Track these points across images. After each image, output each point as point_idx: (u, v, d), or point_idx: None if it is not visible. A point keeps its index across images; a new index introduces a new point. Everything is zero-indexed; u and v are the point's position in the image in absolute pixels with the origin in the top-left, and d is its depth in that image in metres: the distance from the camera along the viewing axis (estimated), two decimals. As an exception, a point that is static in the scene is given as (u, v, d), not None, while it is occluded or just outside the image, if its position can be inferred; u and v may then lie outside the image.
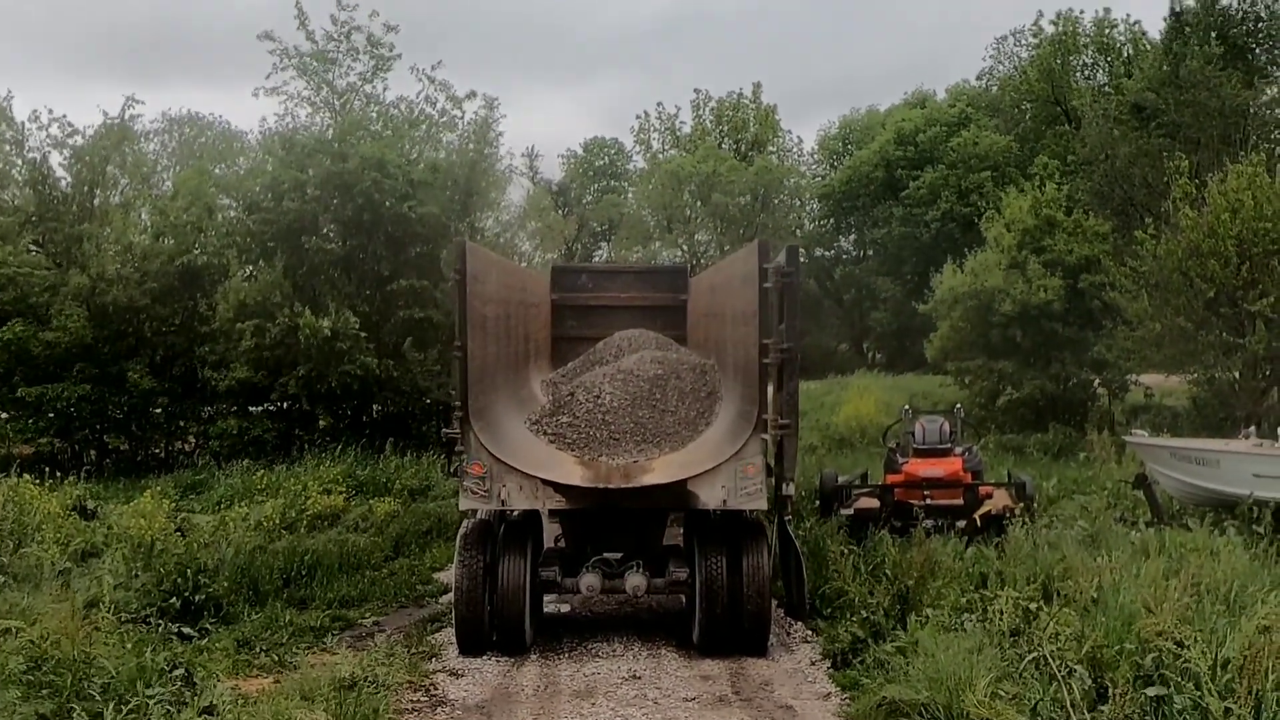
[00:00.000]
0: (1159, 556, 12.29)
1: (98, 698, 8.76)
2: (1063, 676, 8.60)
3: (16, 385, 27.31)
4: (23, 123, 29.82)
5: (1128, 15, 63.47)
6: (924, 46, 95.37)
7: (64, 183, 29.92)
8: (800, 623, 13.69)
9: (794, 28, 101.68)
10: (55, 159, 29.88)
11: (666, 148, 62.17)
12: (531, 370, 16.42)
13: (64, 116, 29.37)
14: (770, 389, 12.57)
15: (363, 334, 26.36)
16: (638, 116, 62.16)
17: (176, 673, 9.69)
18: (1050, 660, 8.86)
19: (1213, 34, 35.07)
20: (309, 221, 27.30)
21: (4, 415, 28.07)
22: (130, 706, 8.61)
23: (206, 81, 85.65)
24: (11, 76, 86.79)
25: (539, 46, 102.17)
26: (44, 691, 8.75)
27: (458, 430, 12.61)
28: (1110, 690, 8.39)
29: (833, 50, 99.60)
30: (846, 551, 14.29)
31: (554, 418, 13.57)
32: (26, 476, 17.58)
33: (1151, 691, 8.04)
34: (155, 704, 8.56)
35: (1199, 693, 7.85)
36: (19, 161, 30.16)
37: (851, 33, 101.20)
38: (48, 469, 20.95)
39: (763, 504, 12.48)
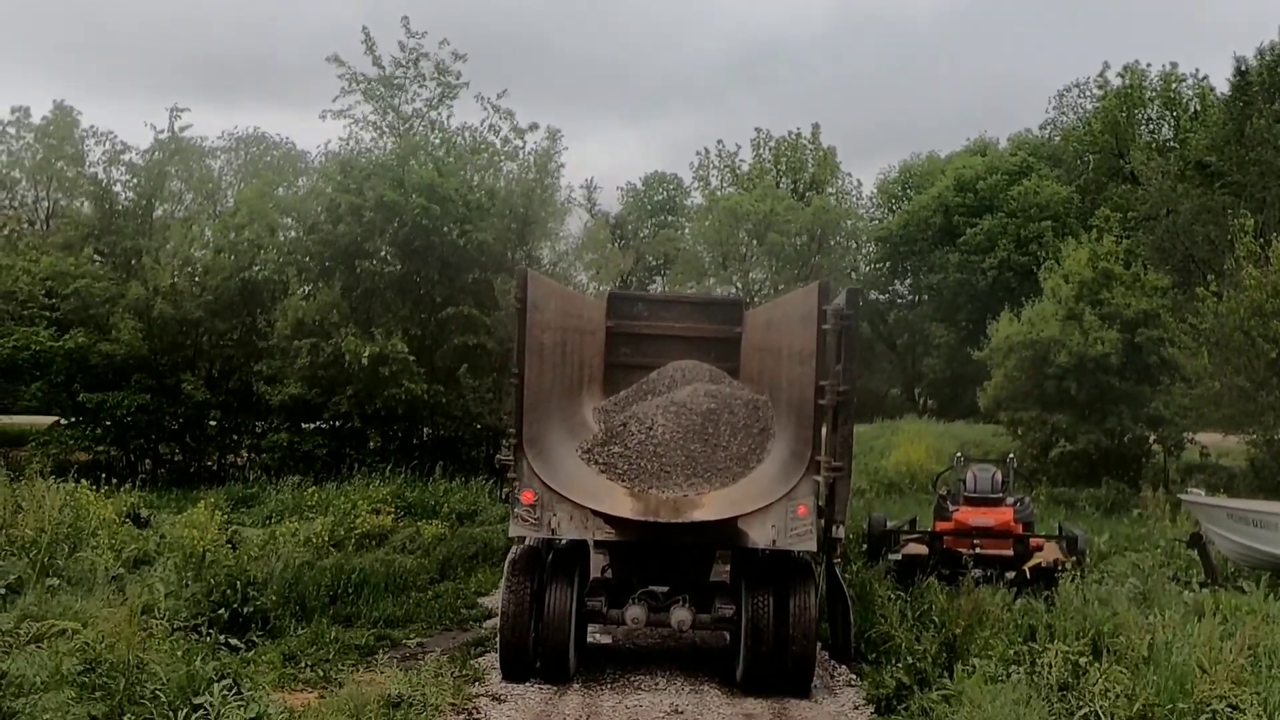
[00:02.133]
0: (1213, 618, 12.09)
1: (151, 702, 8.86)
2: (1114, 733, 8.48)
3: (76, 393, 27.86)
4: (81, 137, 30.56)
5: (1196, 70, 62.81)
6: (990, 95, 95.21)
7: (123, 196, 30.55)
8: (844, 666, 13.59)
9: (864, 70, 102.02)
10: (115, 173, 30.61)
11: (725, 185, 62.30)
12: (584, 397, 16.46)
13: (112, 134, 30.13)
14: (824, 430, 12.54)
15: (411, 358, 26.53)
16: (698, 153, 62.38)
17: (224, 682, 9.78)
18: (1101, 716, 8.73)
19: (1278, 93, 34.70)
20: (364, 245, 27.62)
21: (63, 422, 28.58)
22: (184, 714, 8.70)
23: (284, 104, 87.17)
24: (95, 96, 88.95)
25: (611, 82, 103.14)
26: (97, 694, 8.87)
27: (510, 457, 12.69)
28: (1162, 750, 8.27)
29: (901, 94, 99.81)
30: (894, 597, 14.19)
31: (606, 447, 13.59)
32: (83, 482, 17.83)
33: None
34: (215, 710, 8.62)
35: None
36: (79, 175, 30.92)
37: (920, 78, 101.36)
38: (103, 476, 21.24)
39: (812, 545, 12.42)
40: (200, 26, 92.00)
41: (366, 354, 25.67)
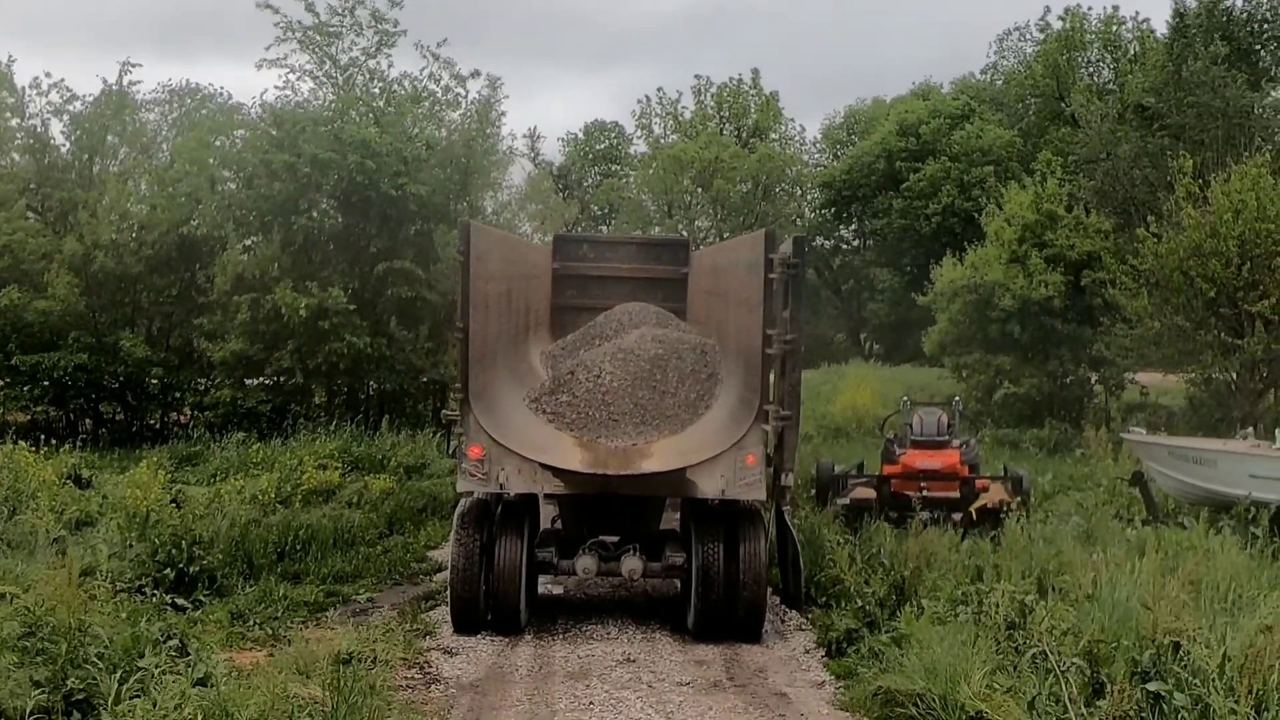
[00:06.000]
0: (1155, 554, 12.27)
1: (94, 665, 8.73)
2: (1060, 670, 8.58)
3: (11, 353, 27.25)
4: (23, 88, 29.75)
5: (1136, 13, 63.39)
6: (947, 43, 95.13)
7: (64, 150, 29.88)
8: (795, 611, 13.70)
9: (827, 19, 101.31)
10: (55, 126, 29.92)
11: (668, 133, 61.97)
12: (531, 342, 16.34)
13: (62, 81, 29.46)
14: (772, 378, 12.54)
15: (352, 308, 26.25)
16: (639, 101, 61.91)
17: (170, 643, 9.66)
18: (1048, 654, 8.84)
19: (1217, 35, 34.95)
20: (301, 200, 27.25)
21: (-1, 383, 28.04)
22: (130, 675, 8.58)
23: (230, 57, 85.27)
24: (39, 48, 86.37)
25: (566, 33, 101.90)
26: (39, 658, 8.71)
27: (457, 412, 12.59)
28: (1108, 685, 8.37)
29: (859, 41, 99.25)
30: (842, 541, 14.28)
31: (553, 396, 13.52)
32: (22, 444, 17.50)
33: (1151, 687, 8.03)
34: (157, 671, 8.50)
35: (1203, 689, 7.84)
36: (18, 127, 30.14)
37: (877, 24, 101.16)
38: (43, 437, 20.87)
39: (761, 494, 12.47)
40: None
41: (303, 306, 25.36)
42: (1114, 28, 54.62)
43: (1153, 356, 27.18)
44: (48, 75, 31.74)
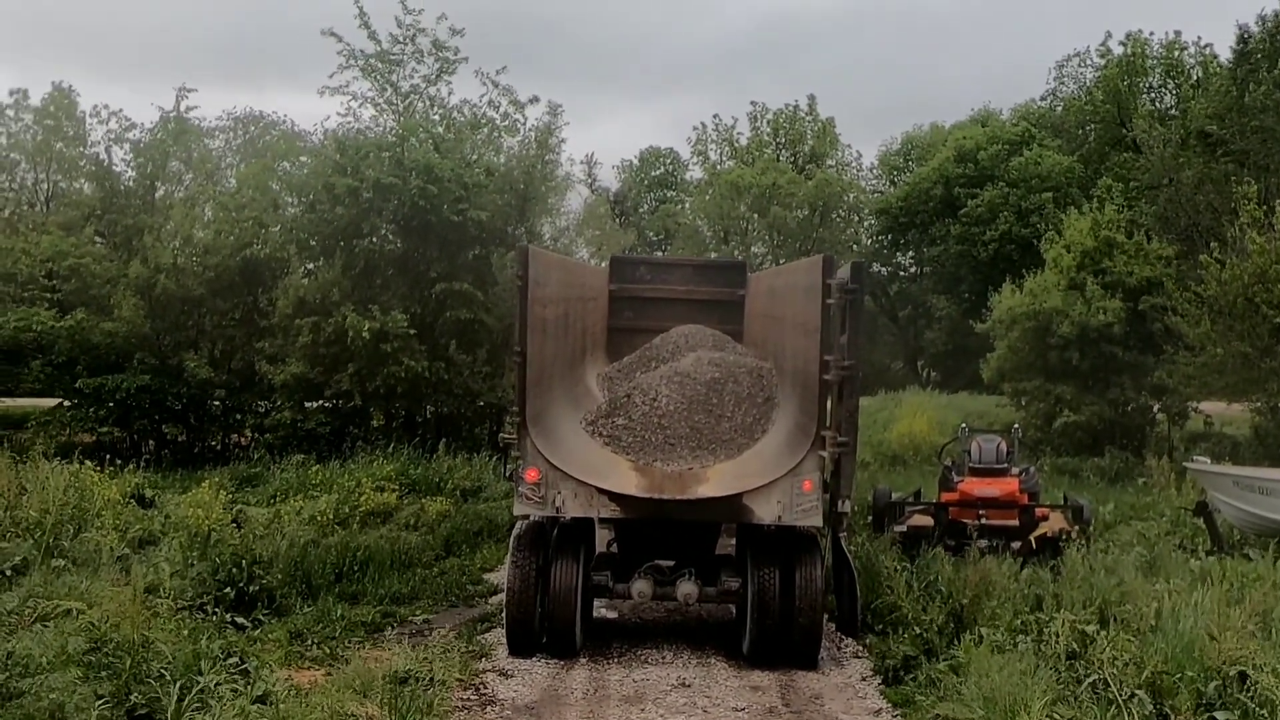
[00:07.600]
0: (1220, 585, 12.07)
1: (156, 681, 8.86)
2: (1123, 700, 8.46)
3: (78, 374, 27.78)
4: (83, 114, 30.39)
5: (1198, 38, 62.55)
6: (1006, 69, 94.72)
7: (126, 176, 30.50)
8: (851, 638, 13.59)
9: (884, 46, 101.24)
10: (118, 153, 30.59)
11: (724, 159, 62.01)
12: (588, 364, 16.37)
13: (121, 111, 30.05)
14: (829, 404, 12.49)
15: (412, 332, 26.50)
16: (695, 127, 61.97)
17: (231, 661, 9.79)
18: (1109, 684, 8.72)
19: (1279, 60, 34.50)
20: (362, 225, 27.59)
21: (66, 404, 28.56)
22: (192, 691, 8.70)
23: (294, 85, 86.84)
24: (106, 77, 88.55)
25: (626, 60, 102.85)
26: (103, 673, 8.87)
27: (514, 435, 12.67)
28: (1172, 717, 8.25)
29: (920, 70, 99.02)
30: (899, 568, 14.15)
31: (610, 419, 13.55)
32: (88, 463, 17.79)
33: (1221, 717, 7.90)
34: (217, 688, 8.62)
35: (1268, 721, 7.71)
36: (80, 155, 30.80)
37: (938, 53, 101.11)
38: (108, 457, 21.21)
39: (818, 521, 12.38)
40: (208, 4, 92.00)
41: (367, 329, 25.64)
42: (1176, 53, 53.98)
43: (1216, 384, 26.75)
44: (106, 106, 32.54)
